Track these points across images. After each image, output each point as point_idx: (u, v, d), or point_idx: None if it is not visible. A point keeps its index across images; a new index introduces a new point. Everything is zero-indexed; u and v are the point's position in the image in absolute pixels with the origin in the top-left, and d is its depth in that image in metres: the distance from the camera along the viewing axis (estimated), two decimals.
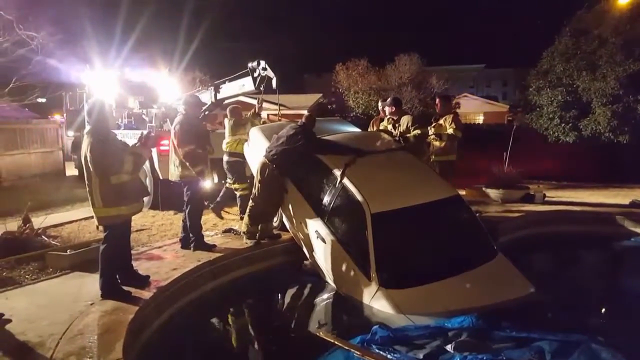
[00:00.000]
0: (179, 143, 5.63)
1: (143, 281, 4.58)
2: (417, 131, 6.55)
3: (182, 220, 5.97)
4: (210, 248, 5.76)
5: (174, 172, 5.83)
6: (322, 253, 5.19)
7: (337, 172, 5.18)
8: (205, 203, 8.07)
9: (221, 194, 7.62)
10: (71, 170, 14.52)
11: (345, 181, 5.05)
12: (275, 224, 6.48)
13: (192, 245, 5.74)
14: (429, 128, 6.97)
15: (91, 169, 4.13)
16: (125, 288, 4.37)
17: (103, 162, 4.11)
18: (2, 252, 5.50)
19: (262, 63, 7.45)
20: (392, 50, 23.10)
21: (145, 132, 4.87)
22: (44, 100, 15.48)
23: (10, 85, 12.80)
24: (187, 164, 5.66)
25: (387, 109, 7.05)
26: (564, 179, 11.47)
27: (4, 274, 5.04)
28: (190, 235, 5.79)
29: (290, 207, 5.82)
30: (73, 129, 13.52)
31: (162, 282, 4.62)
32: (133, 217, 7.90)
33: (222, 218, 7.67)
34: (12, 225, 6.47)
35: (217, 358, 4.14)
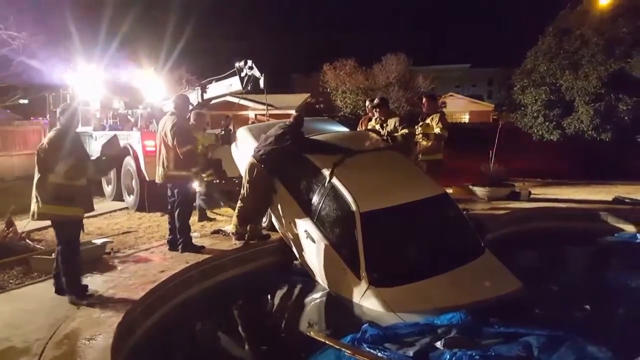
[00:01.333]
0: (178, 143, 5.57)
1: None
2: (405, 130, 6.59)
3: (169, 222, 5.90)
4: (199, 249, 5.70)
5: (161, 174, 5.77)
6: (311, 253, 5.19)
7: (326, 172, 5.18)
8: (195, 204, 8.06)
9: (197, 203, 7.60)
10: None
11: (334, 181, 5.05)
12: (264, 225, 6.45)
13: (180, 246, 5.69)
14: (416, 127, 7.02)
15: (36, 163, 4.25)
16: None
17: (45, 158, 4.19)
18: None
19: (249, 62, 7.42)
20: (379, 50, 23.24)
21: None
22: (26, 101, 15.24)
23: None
24: (185, 164, 5.63)
25: (374, 110, 7.08)
26: (549, 176, 11.64)
27: None
28: (179, 236, 5.73)
29: (279, 207, 5.81)
30: None
31: (150, 284, 4.55)
32: (119, 220, 7.85)
33: (210, 220, 7.65)
34: None
35: (207, 359, 4.10)
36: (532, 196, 8.72)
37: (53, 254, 5.16)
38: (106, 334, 3.51)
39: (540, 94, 13.49)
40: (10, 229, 6.22)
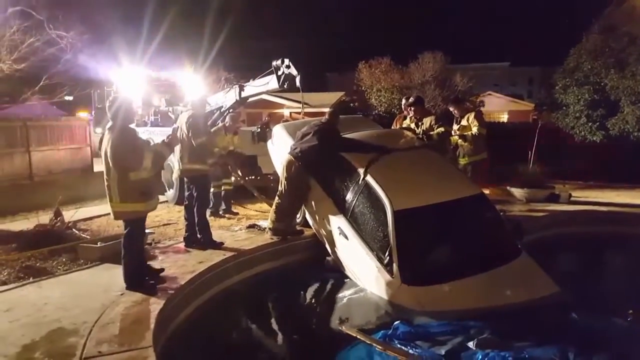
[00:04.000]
0: (193, 135, 5.67)
1: (155, 276, 4.62)
2: (441, 129, 6.54)
3: (185, 219, 5.90)
4: (219, 246, 5.71)
5: (177, 168, 5.89)
6: (344, 249, 5.24)
7: (361, 170, 5.22)
8: (232, 202, 8.25)
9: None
10: (99, 167, 14.84)
11: (369, 178, 5.08)
12: (297, 220, 6.54)
13: (200, 243, 5.72)
14: (454, 130, 6.97)
15: (110, 165, 4.24)
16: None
17: (123, 159, 4.21)
18: (35, 244, 5.70)
19: (286, 61, 7.51)
20: (415, 48, 22.95)
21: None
22: (70, 98, 15.89)
23: (41, 84, 13.17)
24: (200, 157, 5.72)
25: (410, 108, 7.05)
26: (590, 179, 11.22)
27: (38, 264, 5.23)
28: (199, 233, 5.76)
29: (313, 203, 5.88)
30: (101, 126, 13.88)
31: (189, 274, 4.74)
32: (160, 212, 8.12)
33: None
34: (44, 218, 6.69)
35: (241, 349, 4.22)
36: (572, 199, 8.44)
37: (99, 243, 5.49)
38: (148, 320, 3.69)
39: (583, 94, 13.03)
40: (58, 219, 6.55)
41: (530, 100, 39.81)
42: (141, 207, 4.40)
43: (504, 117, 32.02)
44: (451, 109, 7.51)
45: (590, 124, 13.10)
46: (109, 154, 4.23)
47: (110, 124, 4.37)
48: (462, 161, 7.16)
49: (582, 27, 14.15)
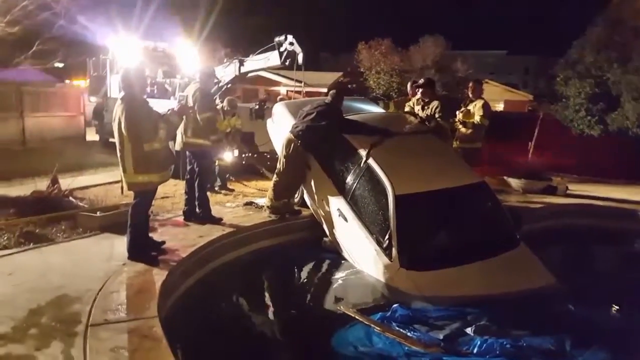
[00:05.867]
0: (198, 108, 5.59)
1: (157, 248, 4.62)
2: (439, 121, 6.49)
3: (185, 192, 5.87)
4: (218, 221, 5.70)
5: (179, 141, 5.81)
6: (343, 231, 5.26)
7: (363, 152, 5.20)
8: (227, 176, 8.24)
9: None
10: (91, 136, 14.71)
11: (371, 162, 5.07)
12: (295, 200, 6.52)
13: (200, 217, 5.71)
14: (457, 112, 6.95)
15: (124, 135, 4.17)
16: None
17: (137, 129, 4.14)
18: (32, 210, 5.64)
19: (290, 38, 7.36)
20: (413, 31, 22.71)
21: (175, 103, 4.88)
22: (61, 65, 15.53)
23: (34, 49, 12.81)
24: (204, 132, 5.66)
25: (418, 90, 6.91)
26: (586, 173, 11.31)
27: (37, 230, 5.17)
28: (198, 207, 5.74)
29: (312, 184, 5.87)
30: (96, 94, 13.63)
31: (190, 248, 4.74)
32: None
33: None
34: (41, 185, 6.61)
35: (239, 325, 4.21)
36: (568, 192, 8.52)
37: (99, 212, 5.46)
38: (152, 290, 3.71)
39: (584, 87, 12.99)
40: (55, 186, 6.47)
41: (526, 90, 39.74)
42: (156, 178, 4.37)
43: (500, 107, 31.96)
44: (470, 85, 7.49)
45: (589, 117, 13.10)
46: (122, 125, 4.15)
47: (122, 93, 4.29)
48: (454, 144, 7.15)
49: (583, 17, 14.10)
